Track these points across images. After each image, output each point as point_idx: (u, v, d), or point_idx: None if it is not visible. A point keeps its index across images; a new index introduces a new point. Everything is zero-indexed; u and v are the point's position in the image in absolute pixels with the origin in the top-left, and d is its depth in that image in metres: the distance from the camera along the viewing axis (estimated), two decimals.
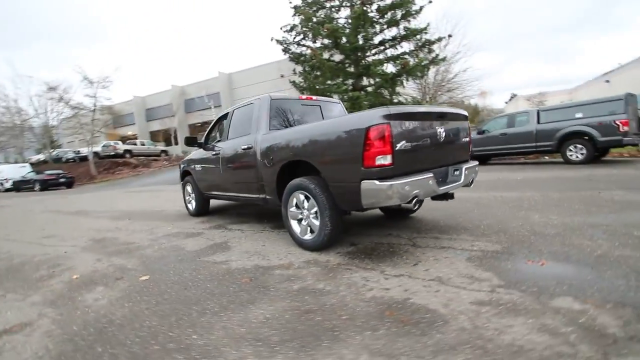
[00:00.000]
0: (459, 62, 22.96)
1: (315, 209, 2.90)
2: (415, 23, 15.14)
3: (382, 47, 15.73)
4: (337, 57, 16.26)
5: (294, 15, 16.17)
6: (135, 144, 29.75)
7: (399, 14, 14.90)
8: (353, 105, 14.38)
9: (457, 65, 20.77)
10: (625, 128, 7.40)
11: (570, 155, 8.28)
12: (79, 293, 2.54)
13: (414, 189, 2.43)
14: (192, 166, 5.20)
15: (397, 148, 2.39)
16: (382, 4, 14.88)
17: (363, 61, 15.96)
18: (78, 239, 4.50)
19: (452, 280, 2.22)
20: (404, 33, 15.07)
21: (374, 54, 16.23)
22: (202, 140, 4.95)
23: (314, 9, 16.14)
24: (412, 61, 14.08)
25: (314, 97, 4.20)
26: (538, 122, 8.90)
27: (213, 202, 5.88)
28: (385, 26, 15.25)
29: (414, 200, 2.46)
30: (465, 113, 3.32)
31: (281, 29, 16.04)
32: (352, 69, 16.07)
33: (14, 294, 2.67)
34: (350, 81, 15.74)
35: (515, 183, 6.30)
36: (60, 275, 3.00)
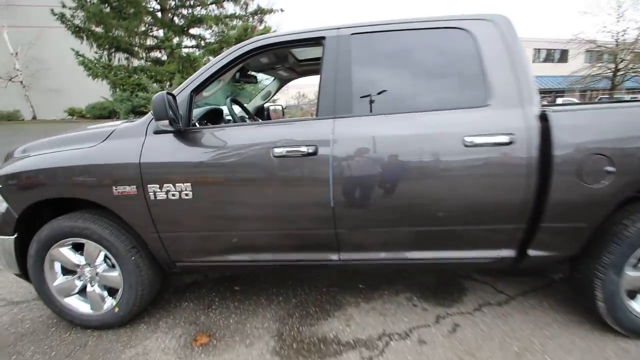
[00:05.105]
0: None
1: None
2: None
3: (207, 2, 12.44)
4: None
5: None
6: None
7: None
8: (184, 66, 10.67)
9: None
10: None
11: None
12: None
13: None
14: (140, 192, 1.60)
15: None
16: None
17: (183, 11, 12.10)
18: None
19: None
20: None
21: (192, 6, 12.63)
22: (183, 119, 1.60)
23: None
24: (259, 26, 12.10)
25: None
26: None
27: None
28: None
29: None
30: None
31: None
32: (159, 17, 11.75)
33: None
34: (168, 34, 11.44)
35: None
36: None
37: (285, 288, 2.26)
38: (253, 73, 2.67)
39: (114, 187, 1.63)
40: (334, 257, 1.69)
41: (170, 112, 1.49)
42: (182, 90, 1.65)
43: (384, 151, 1.53)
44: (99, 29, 10.71)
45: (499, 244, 1.62)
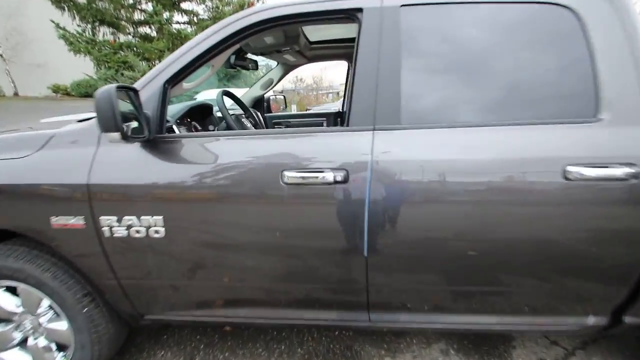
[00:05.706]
0: None
1: None
2: None
3: None
4: None
5: None
6: None
7: None
8: (174, 44, 9.91)
9: None
10: None
11: None
12: None
13: None
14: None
15: None
16: None
17: None
18: None
19: None
20: None
21: None
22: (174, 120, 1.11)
23: None
24: (257, 3, 11.27)
25: None
26: None
27: None
28: None
29: None
30: None
31: None
32: None
33: None
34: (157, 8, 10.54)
35: None
36: None
37: (288, 331, 1.82)
38: (252, 56, 2.14)
39: (51, 218, 1.14)
40: (363, 317, 1.25)
41: (128, 112, 0.99)
42: (151, 81, 1.12)
43: (445, 182, 1.05)
44: (82, 0, 9.83)
45: (591, 309, 1.18)
